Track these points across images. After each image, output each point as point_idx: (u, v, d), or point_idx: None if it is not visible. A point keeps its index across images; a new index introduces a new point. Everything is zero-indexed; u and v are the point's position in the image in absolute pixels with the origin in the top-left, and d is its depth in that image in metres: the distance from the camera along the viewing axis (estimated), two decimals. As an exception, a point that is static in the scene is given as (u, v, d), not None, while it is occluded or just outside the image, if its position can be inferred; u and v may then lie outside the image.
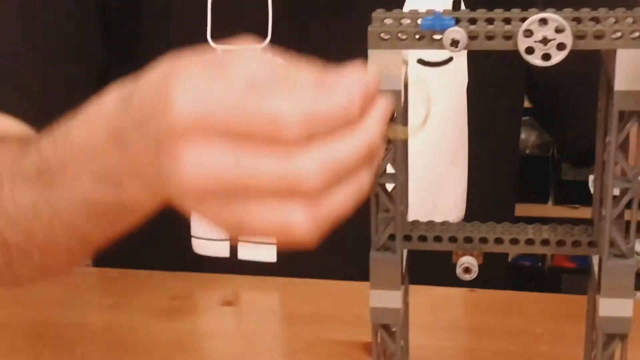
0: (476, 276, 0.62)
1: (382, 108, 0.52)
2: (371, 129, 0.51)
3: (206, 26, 0.85)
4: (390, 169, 0.59)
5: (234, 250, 0.90)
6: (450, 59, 0.89)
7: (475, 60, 0.90)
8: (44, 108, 0.81)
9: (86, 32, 0.87)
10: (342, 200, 0.51)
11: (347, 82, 0.50)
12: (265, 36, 0.86)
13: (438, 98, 0.90)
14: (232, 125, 0.50)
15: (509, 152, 1.01)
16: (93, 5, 0.86)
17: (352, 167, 0.51)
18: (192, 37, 0.85)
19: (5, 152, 0.68)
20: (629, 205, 0.57)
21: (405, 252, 0.63)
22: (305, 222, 0.50)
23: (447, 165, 0.92)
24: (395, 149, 0.58)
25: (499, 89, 0.94)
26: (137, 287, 0.89)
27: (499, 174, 0.99)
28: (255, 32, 0.86)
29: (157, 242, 0.90)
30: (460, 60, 0.90)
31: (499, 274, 1.02)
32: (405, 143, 0.61)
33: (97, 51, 0.88)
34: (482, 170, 0.95)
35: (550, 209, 2.00)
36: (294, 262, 0.87)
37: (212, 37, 0.86)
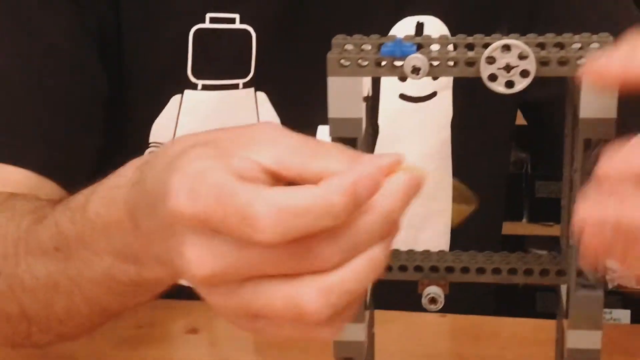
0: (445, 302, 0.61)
1: (400, 182, 0.49)
2: (383, 206, 0.48)
3: (187, 61, 0.84)
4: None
5: None
6: (434, 93, 0.87)
7: (462, 94, 0.88)
8: (49, 153, 0.81)
9: (85, 66, 0.84)
10: (355, 276, 0.48)
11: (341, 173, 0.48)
12: (248, 71, 0.84)
13: (420, 134, 0.88)
14: (226, 222, 0.47)
15: (497, 185, 0.98)
16: (88, 41, 0.84)
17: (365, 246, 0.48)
18: (174, 72, 0.83)
19: (20, 220, 0.67)
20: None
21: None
22: (316, 299, 0.47)
23: (428, 200, 0.90)
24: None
25: (487, 123, 0.92)
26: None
27: (486, 208, 0.96)
28: (239, 66, 0.84)
29: None
30: (445, 94, 0.88)
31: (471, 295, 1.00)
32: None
33: (98, 84, 0.85)
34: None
35: (524, 227, 1.99)
36: None
37: (194, 72, 0.84)
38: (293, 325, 0.49)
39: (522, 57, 0.51)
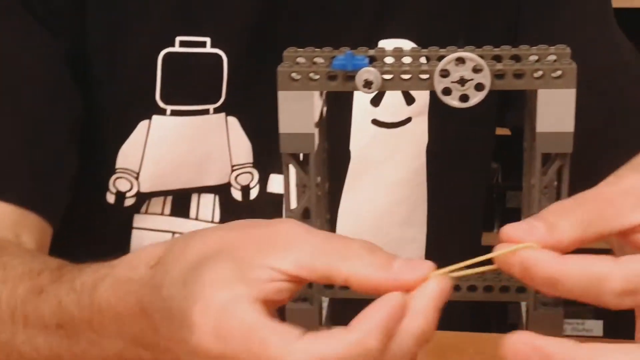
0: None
1: (430, 295, 0.49)
2: (416, 327, 0.49)
3: (156, 85, 0.81)
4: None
5: None
6: (409, 119, 0.84)
7: (438, 119, 0.86)
8: (30, 184, 0.77)
9: (61, 91, 0.81)
10: None
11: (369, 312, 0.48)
12: (219, 96, 0.82)
13: (394, 160, 0.85)
14: None
15: (475, 203, 0.95)
16: (62, 65, 0.81)
17: None
18: (142, 97, 0.81)
19: (13, 285, 0.64)
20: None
21: (326, 301, 0.60)
22: None
23: (402, 227, 0.88)
24: (309, 195, 0.55)
25: (465, 147, 0.89)
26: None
27: (464, 227, 0.94)
28: (210, 91, 0.82)
29: None
30: (420, 120, 0.85)
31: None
32: (324, 190, 0.57)
33: (74, 108, 0.82)
34: (444, 229, 0.91)
35: (495, 237, 1.97)
36: None
37: (163, 97, 0.81)
38: None
39: (476, 70, 0.50)
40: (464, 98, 0.50)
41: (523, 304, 0.59)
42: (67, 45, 0.80)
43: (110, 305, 0.57)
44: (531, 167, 0.54)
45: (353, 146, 0.84)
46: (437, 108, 0.85)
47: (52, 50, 0.79)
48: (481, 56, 0.50)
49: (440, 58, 0.50)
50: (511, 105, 0.86)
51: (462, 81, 0.50)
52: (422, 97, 0.83)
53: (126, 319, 0.56)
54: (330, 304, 0.61)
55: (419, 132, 0.85)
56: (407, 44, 0.82)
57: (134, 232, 0.84)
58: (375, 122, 0.83)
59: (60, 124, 0.80)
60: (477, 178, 0.92)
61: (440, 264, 0.89)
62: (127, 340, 0.57)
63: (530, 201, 0.55)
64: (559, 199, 0.53)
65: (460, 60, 0.50)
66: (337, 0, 0.81)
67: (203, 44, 0.81)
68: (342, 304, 0.61)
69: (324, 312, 0.59)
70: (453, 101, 0.50)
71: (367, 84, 0.50)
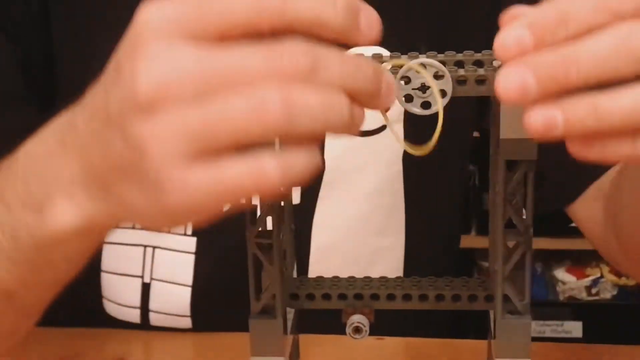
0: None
1: None
2: None
3: None
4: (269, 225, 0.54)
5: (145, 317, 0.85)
6: (384, 127, 0.82)
7: (413, 126, 0.83)
8: None
9: (13, 98, 0.79)
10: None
11: None
12: None
13: (370, 169, 0.84)
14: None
15: (452, 207, 0.93)
16: (17, 72, 0.79)
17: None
18: None
19: None
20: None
21: (292, 312, 0.58)
22: (278, 102, 0.42)
23: (379, 236, 0.86)
24: (273, 205, 0.53)
25: (441, 152, 0.87)
26: (25, 346, 0.82)
27: (442, 230, 0.92)
28: None
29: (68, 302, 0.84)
30: (395, 127, 0.83)
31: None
32: (288, 200, 0.56)
33: (26, 116, 0.79)
34: (423, 235, 0.89)
35: (473, 240, 1.95)
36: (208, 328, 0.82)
37: None
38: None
39: (438, 76, 0.48)
40: (426, 105, 0.49)
41: (492, 313, 0.57)
42: (27, 52, 0.78)
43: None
44: (495, 174, 0.52)
45: (327, 155, 0.82)
46: (412, 114, 0.83)
47: (7, 56, 0.77)
48: (443, 62, 0.49)
49: (402, 65, 0.49)
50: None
51: (423, 88, 0.48)
52: (396, 104, 0.81)
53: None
54: (296, 315, 0.59)
55: (394, 140, 0.83)
56: (377, 51, 0.80)
57: (105, 247, 0.82)
58: None
59: (10, 132, 0.78)
60: (454, 182, 0.91)
61: (419, 270, 0.87)
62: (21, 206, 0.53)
63: (495, 208, 0.54)
64: (524, 205, 0.52)
65: (422, 67, 0.48)
66: None
67: None
68: (309, 315, 0.60)
69: (289, 324, 0.58)
70: (414, 108, 0.49)
71: None
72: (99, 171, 0.48)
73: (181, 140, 0.44)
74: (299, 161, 0.44)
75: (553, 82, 0.43)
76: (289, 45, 0.43)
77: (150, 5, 0.45)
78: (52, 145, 0.52)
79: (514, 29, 0.44)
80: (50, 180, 0.51)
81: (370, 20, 0.45)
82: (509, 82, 0.43)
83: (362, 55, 0.46)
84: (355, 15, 0.44)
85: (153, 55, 0.44)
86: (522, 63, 0.43)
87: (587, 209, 0.81)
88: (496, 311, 0.54)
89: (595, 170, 0.77)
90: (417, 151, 0.49)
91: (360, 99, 0.44)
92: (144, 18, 0.45)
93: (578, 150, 0.44)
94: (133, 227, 0.82)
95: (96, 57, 0.79)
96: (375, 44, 0.46)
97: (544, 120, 0.43)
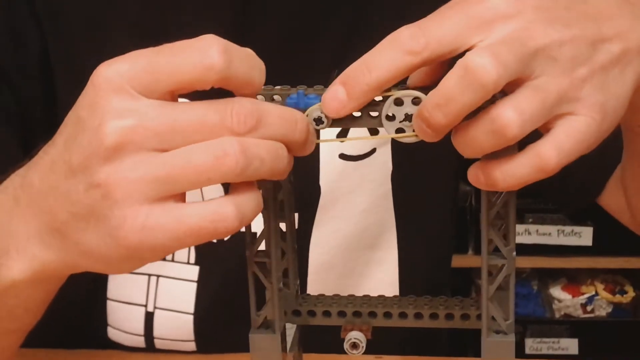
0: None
1: None
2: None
3: None
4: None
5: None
6: (374, 150, 0.83)
7: (401, 147, 0.84)
8: None
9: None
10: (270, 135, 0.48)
11: None
12: None
13: (361, 190, 0.84)
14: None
15: (443, 224, 0.93)
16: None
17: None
18: None
19: None
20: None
21: (293, 328, 0.58)
22: (237, 151, 0.46)
23: (371, 250, 0.86)
24: (269, 226, 0.53)
25: (429, 171, 0.87)
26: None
27: (434, 248, 0.92)
28: None
29: (75, 328, 0.83)
30: (384, 150, 0.83)
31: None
32: (291, 222, 0.56)
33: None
34: (415, 250, 0.88)
35: (470, 259, 1.94)
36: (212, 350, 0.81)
37: None
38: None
39: (416, 102, 0.49)
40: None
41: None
42: (23, 96, 0.77)
43: None
44: (481, 199, 0.52)
45: (322, 181, 0.82)
46: None
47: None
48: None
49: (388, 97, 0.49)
50: None
51: (408, 117, 0.49)
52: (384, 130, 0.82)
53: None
54: (298, 331, 0.59)
55: (383, 162, 0.83)
56: None
57: (111, 276, 0.82)
58: (342, 156, 0.82)
59: None
60: (442, 198, 0.90)
61: (414, 284, 0.87)
62: None
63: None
64: (507, 231, 0.52)
65: (399, 102, 0.49)
66: (305, 33, 0.79)
67: None
68: (311, 329, 0.60)
69: (290, 340, 0.57)
70: (409, 139, 0.49)
71: (318, 121, 0.49)
72: (57, 221, 0.50)
73: (145, 184, 0.46)
74: (252, 203, 0.48)
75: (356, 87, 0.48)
76: (238, 104, 0.47)
77: (106, 63, 0.48)
78: (5, 204, 0.53)
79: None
80: (4, 239, 0.53)
81: None
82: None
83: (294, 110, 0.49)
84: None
85: (116, 106, 0.46)
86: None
87: (614, 199, 0.81)
88: (482, 330, 0.54)
89: (614, 159, 0.77)
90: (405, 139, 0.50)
91: (292, 147, 0.49)
92: (101, 73, 0.47)
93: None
94: None
95: None
96: None
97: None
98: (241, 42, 0.78)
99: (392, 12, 0.80)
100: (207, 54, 0.46)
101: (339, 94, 0.48)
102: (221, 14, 0.77)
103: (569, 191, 0.84)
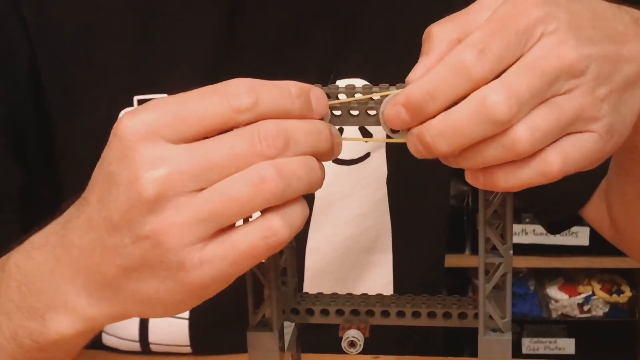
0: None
1: None
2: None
3: None
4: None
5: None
6: (368, 154, 0.82)
7: (396, 150, 0.83)
8: None
9: None
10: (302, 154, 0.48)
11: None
12: None
13: (356, 195, 0.83)
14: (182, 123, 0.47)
15: (438, 225, 0.92)
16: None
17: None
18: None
19: None
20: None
21: (291, 326, 0.57)
22: (274, 174, 0.47)
23: (367, 253, 0.85)
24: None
25: (423, 173, 0.86)
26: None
27: (429, 248, 0.92)
28: None
29: None
30: (379, 154, 0.83)
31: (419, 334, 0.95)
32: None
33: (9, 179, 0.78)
34: (410, 252, 0.88)
35: (467, 259, 1.94)
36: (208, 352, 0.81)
37: None
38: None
39: None
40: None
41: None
42: (14, 110, 0.76)
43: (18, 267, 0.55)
44: (479, 197, 0.51)
45: None
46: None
47: None
48: None
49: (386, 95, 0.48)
50: None
51: None
52: (378, 132, 0.81)
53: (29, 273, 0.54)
54: (296, 330, 0.58)
55: (378, 166, 0.82)
56: (361, 82, 0.79)
57: None
58: (337, 160, 0.81)
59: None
60: (437, 200, 0.90)
61: (408, 285, 0.87)
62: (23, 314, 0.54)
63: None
64: (504, 230, 0.51)
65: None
66: (293, 41, 0.78)
67: None
68: (309, 328, 0.59)
69: (288, 338, 0.57)
70: (402, 137, 0.48)
71: None
72: (107, 276, 0.50)
73: (193, 226, 0.46)
74: (297, 210, 0.48)
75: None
76: (262, 127, 0.47)
77: (129, 114, 0.48)
78: (46, 263, 0.53)
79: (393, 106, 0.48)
80: (50, 295, 0.53)
81: (318, 97, 0.49)
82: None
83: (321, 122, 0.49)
84: (307, 98, 0.49)
85: (147, 156, 0.47)
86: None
87: (595, 210, 0.81)
88: (479, 329, 0.53)
89: (601, 172, 0.77)
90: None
91: (321, 157, 0.49)
92: (126, 125, 0.47)
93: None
94: None
95: (87, 116, 0.77)
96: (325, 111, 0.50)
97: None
98: (229, 49, 0.78)
99: (380, 20, 0.79)
100: (233, 96, 0.47)
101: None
102: (209, 23, 0.76)
103: (553, 201, 0.84)
